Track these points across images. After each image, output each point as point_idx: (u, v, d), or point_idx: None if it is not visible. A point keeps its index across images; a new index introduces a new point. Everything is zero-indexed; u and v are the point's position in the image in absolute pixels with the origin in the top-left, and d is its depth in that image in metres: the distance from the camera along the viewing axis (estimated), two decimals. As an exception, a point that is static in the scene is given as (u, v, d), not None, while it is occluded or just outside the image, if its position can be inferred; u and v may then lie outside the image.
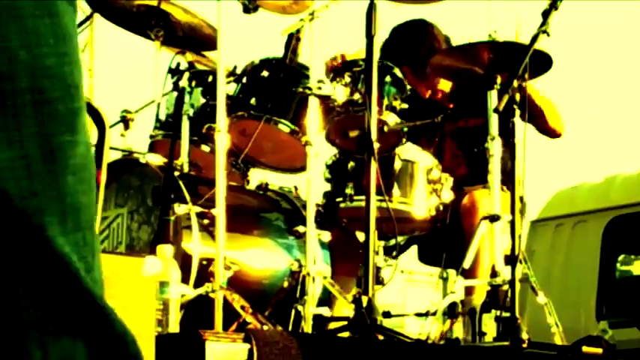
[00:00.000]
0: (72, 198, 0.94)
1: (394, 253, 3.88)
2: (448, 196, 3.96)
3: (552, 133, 4.35)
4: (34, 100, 0.93)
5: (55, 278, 0.92)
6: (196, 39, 4.13)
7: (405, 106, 3.89)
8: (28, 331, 0.90)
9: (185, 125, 3.86)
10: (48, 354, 0.91)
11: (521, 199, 3.68)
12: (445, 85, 4.45)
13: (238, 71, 4.01)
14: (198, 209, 3.58)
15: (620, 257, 6.58)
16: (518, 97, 3.55)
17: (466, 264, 3.65)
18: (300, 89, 3.75)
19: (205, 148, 4.02)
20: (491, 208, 3.71)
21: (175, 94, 3.96)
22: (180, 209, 3.52)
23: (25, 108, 0.92)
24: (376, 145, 3.39)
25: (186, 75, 3.98)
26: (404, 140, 3.89)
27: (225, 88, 3.63)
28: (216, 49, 3.54)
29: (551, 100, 4.31)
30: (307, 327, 3.45)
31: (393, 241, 3.97)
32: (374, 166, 3.37)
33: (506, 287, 3.51)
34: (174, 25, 4.08)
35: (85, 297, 0.94)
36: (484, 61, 3.81)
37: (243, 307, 3.40)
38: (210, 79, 4.00)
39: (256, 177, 4.22)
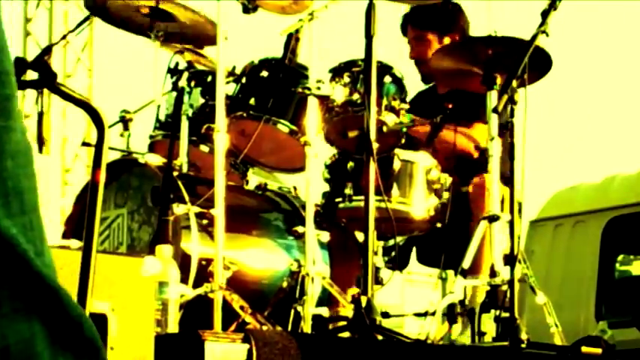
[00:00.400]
0: (13, 182, 0.93)
1: (393, 254, 3.89)
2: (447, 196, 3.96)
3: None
4: None
5: (3, 260, 0.91)
6: (197, 36, 4.12)
7: (405, 106, 3.90)
8: None
9: (184, 125, 3.86)
10: (5, 336, 0.90)
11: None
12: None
13: (237, 71, 4.00)
14: (198, 209, 3.58)
15: (619, 257, 6.58)
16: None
17: (466, 264, 3.65)
18: (300, 89, 3.75)
19: (204, 148, 4.02)
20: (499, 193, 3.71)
21: (174, 94, 3.96)
22: (179, 209, 3.52)
23: None
24: (375, 146, 3.39)
25: (186, 75, 3.98)
26: (403, 140, 3.89)
27: (225, 88, 3.63)
28: (216, 44, 3.54)
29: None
30: (306, 327, 3.45)
31: (392, 242, 3.97)
32: (373, 167, 3.37)
33: (505, 287, 3.52)
34: (174, 23, 4.07)
35: (37, 278, 0.93)
36: (484, 60, 3.81)
37: (242, 308, 3.40)
38: (209, 79, 4.00)
39: (264, 179, 4.23)
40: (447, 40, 4.46)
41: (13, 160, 0.94)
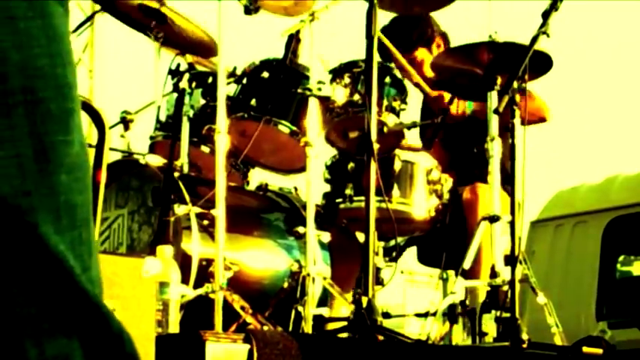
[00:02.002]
0: (66, 196, 0.94)
1: (394, 254, 3.89)
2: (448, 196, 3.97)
3: (541, 119, 4.32)
4: (26, 100, 0.93)
5: (49, 276, 0.92)
6: (196, 47, 4.13)
7: (405, 107, 3.90)
8: (24, 330, 0.90)
9: (185, 126, 3.86)
10: (44, 352, 0.91)
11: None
12: (430, 73, 4.47)
13: (238, 72, 4.01)
14: (198, 210, 3.58)
15: (620, 258, 6.57)
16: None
17: (466, 264, 3.66)
18: (300, 90, 3.75)
19: (205, 149, 4.02)
20: (493, 202, 3.71)
21: (175, 95, 3.97)
22: (180, 210, 3.52)
23: (17, 108, 0.92)
24: (376, 146, 3.39)
25: (187, 76, 3.98)
26: (404, 140, 3.90)
27: (226, 89, 3.63)
28: (215, 56, 3.54)
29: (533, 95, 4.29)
30: (307, 327, 3.45)
31: (392, 242, 3.97)
32: (374, 167, 3.37)
33: (506, 288, 3.52)
34: (173, 29, 4.07)
35: (81, 295, 0.94)
36: (484, 62, 3.81)
37: (243, 308, 3.41)
38: (210, 80, 4.01)
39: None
40: (434, 49, 4.47)
41: (68, 174, 0.94)
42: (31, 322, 0.91)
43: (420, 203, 3.89)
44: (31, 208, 0.91)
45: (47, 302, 0.91)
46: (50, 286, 0.92)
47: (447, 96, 4.22)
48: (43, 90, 0.94)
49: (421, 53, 4.49)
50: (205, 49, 4.07)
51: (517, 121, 3.59)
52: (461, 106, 4.20)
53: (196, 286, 3.43)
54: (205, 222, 3.59)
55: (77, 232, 0.95)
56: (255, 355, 2.75)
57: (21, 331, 0.90)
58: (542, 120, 4.32)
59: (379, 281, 3.78)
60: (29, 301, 0.91)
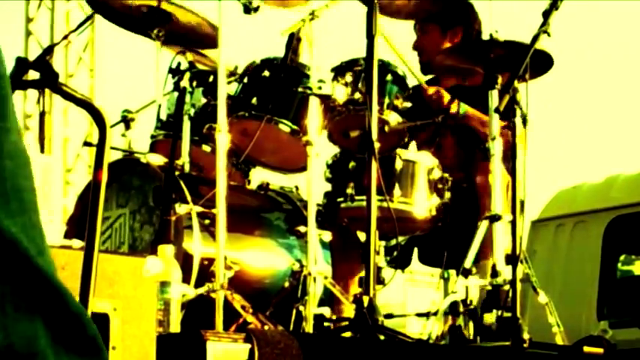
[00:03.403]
0: (12, 181, 0.94)
1: (395, 254, 3.89)
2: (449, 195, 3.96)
3: None
4: None
5: (5, 259, 0.91)
6: (197, 37, 4.12)
7: (408, 104, 3.90)
8: None
9: (186, 125, 3.86)
10: (9, 335, 0.91)
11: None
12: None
13: (239, 71, 4.01)
14: (199, 209, 3.58)
15: (621, 257, 6.57)
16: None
17: (467, 263, 3.65)
18: (301, 89, 3.75)
19: (206, 148, 4.02)
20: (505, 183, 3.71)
21: (176, 94, 3.97)
22: (181, 209, 3.52)
23: None
24: (377, 145, 3.39)
25: (187, 75, 3.98)
26: (406, 139, 3.90)
27: (226, 88, 3.63)
28: (217, 47, 3.54)
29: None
30: (308, 327, 3.45)
31: (393, 241, 3.97)
32: (375, 166, 3.37)
33: (507, 287, 3.51)
34: (174, 24, 4.07)
35: (39, 277, 0.94)
36: (488, 60, 3.80)
37: (244, 307, 3.40)
38: (211, 79, 4.00)
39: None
40: (449, 34, 4.50)
41: (11, 160, 0.94)
42: None
43: (421, 202, 3.88)
44: None
45: (6, 285, 0.91)
46: (7, 268, 0.91)
47: (446, 96, 4.22)
48: None
49: (434, 28, 4.51)
50: (208, 40, 4.05)
51: (518, 120, 3.59)
52: (455, 106, 4.18)
53: (197, 285, 3.43)
54: (206, 221, 3.59)
55: (27, 217, 0.95)
56: (256, 354, 2.75)
57: None
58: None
59: (380, 280, 3.78)
60: None
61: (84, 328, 0.97)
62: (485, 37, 3.87)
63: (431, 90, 4.23)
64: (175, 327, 2.99)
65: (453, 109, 4.16)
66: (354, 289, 3.89)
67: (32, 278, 0.93)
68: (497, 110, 3.61)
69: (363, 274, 3.42)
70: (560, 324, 3.72)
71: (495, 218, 3.68)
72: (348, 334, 3.29)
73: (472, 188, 4.10)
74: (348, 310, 3.60)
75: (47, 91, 3.09)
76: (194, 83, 4.00)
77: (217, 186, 3.36)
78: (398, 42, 4.54)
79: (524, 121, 3.58)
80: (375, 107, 3.44)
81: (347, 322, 3.34)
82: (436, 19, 4.51)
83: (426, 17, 4.52)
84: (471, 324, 3.63)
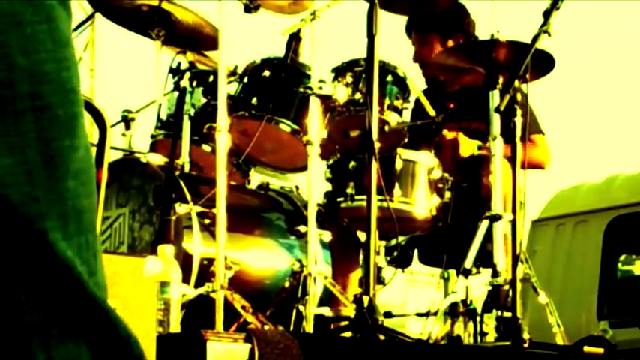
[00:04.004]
0: (73, 202, 0.94)
1: (395, 253, 3.88)
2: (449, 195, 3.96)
3: (538, 167, 4.33)
4: (34, 106, 0.93)
5: (58, 282, 0.92)
6: (198, 38, 4.13)
7: (407, 106, 3.90)
8: (32, 335, 0.90)
9: (186, 125, 3.86)
10: (52, 358, 0.91)
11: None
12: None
13: (239, 71, 4.00)
14: (199, 209, 3.58)
15: (622, 257, 6.57)
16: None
17: (467, 263, 3.65)
18: (302, 89, 3.75)
19: (206, 147, 4.02)
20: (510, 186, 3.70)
21: (176, 93, 3.97)
22: (181, 209, 3.52)
23: (25, 114, 0.92)
24: (377, 145, 3.39)
25: (187, 75, 3.98)
26: (406, 140, 3.90)
27: (227, 88, 3.63)
28: (218, 48, 3.54)
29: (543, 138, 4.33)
30: (308, 327, 3.45)
31: (394, 241, 3.97)
32: (375, 166, 3.37)
33: (507, 287, 3.51)
34: (175, 24, 4.07)
35: (88, 300, 0.94)
36: (487, 61, 3.80)
37: (244, 307, 3.40)
38: (211, 78, 4.00)
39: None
40: (450, 43, 4.48)
41: (75, 179, 0.95)
42: (40, 328, 0.91)
43: (421, 202, 3.88)
44: (40, 215, 0.91)
45: (55, 308, 0.92)
46: (59, 291, 0.92)
47: (463, 146, 4.17)
48: (51, 95, 0.94)
49: (436, 39, 4.51)
50: (209, 41, 4.05)
51: (518, 120, 3.59)
52: (470, 147, 4.16)
53: (197, 285, 3.43)
54: (206, 221, 3.59)
55: (84, 238, 0.95)
56: (256, 354, 2.75)
57: (29, 337, 0.90)
58: (540, 167, 4.33)
59: (380, 280, 3.77)
60: (38, 307, 0.91)
61: (131, 348, 0.97)
62: (486, 37, 3.86)
63: (450, 135, 4.17)
64: (175, 327, 2.99)
65: (463, 153, 4.13)
66: (354, 289, 3.89)
67: (82, 303, 0.93)
68: (497, 110, 3.60)
69: (362, 273, 3.42)
70: (560, 324, 3.72)
71: (496, 218, 3.68)
72: (348, 334, 3.29)
73: (477, 189, 4.08)
74: (348, 310, 3.60)
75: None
76: (194, 83, 4.00)
77: (217, 186, 3.36)
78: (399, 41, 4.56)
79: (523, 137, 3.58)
80: (376, 107, 3.44)
81: (347, 322, 3.34)
82: (435, 28, 4.50)
83: (424, 28, 4.51)
84: (471, 324, 3.63)
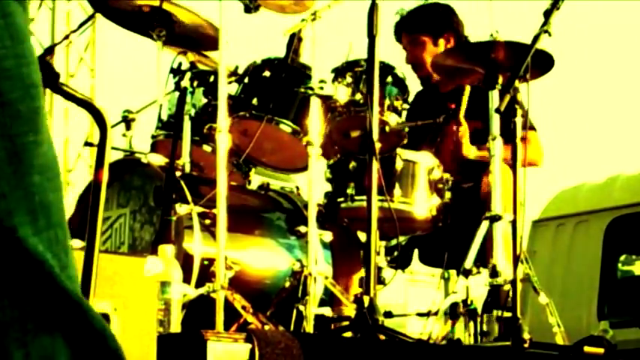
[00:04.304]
0: (40, 197, 0.94)
1: (395, 253, 3.89)
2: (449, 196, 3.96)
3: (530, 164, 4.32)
4: None
5: (30, 278, 0.91)
6: (198, 39, 4.13)
7: (407, 106, 3.90)
8: (7, 332, 0.90)
9: (187, 125, 3.86)
10: (29, 353, 0.91)
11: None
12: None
13: (240, 71, 4.01)
14: (200, 209, 3.58)
15: (622, 257, 6.57)
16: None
17: (468, 264, 3.65)
18: (302, 89, 3.75)
19: (207, 148, 4.02)
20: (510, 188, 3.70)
21: (177, 94, 3.97)
22: (181, 209, 3.52)
23: None
24: (378, 146, 3.39)
25: (188, 75, 3.98)
26: (405, 140, 3.90)
27: (227, 88, 3.63)
28: (218, 49, 3.54)
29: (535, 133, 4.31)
30: (309, 327, 3.45)
31: (394, 241, 3.97)
32: (375, 166, 3.37)
33: (507, 287, 3.51)
34: (176, 25, 4.07)
35: (61, 294, 0.94)
36: (486, 61, 3.80)
37: (244, 307, 3.41)
38: (211, 79, 4.01)
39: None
40: (441, 42, 4.50)
41: (41, 174, 0.94)
42: (15, 324, 0.90)
43: (421, 202, 3.88)
44: (8, 211, 0.91)
45: (29, 303, 0.91)
46: (32, 287, 0.92)
47: (465, 145, 4.17)
48: (11, 91, 0.93)
49: (427, 38, 4.52)
50: (209, 41, 4.05)
51: (518, 120, 3.59)
52: (470, 148, 4.16)
53: (198, 285, 3.43)
54: (207, 221, 3.59)
55: (53, 232, 0.95)
56: (257, 354, 2.75)
57: (4, 334, 0.90)
58: (534, 165, 4.32)
59: (381, 281, 3.78)
60: (12, 304, 0.90)
61: (105, 340, 0.97)
62: (485, 37, 3.86)
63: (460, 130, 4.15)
64: (176, 327, 2.99)
65: (465, 153, 4.14)
66: (355, 289, 3.89)
67: (55, 297, 0.93)
68: (497, 110, 3.61)
69: (363, 273, 3.42)
70: (560, 324, 3.72)
71: (496, 218, 3.68)
72: (348, 334, 3.29)
73: (477, 189, 4.09)
74: (349, 311, 3.60)
75: (48, 91, 3.09)
76: (195, 83, 4.00)
77: (218, 186, 3.36)
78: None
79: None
80: (376, 108, 3.44)
81: (347, 322, 3.34)
82: (426, 29, 4.52)
83: (415, 29, 4.53)
84: (471, 324, 3.63)
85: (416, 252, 4.52)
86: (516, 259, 3.45)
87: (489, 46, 3.77)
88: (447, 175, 3.97)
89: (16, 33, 0.95)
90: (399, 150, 3.88)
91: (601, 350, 3.44)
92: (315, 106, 3.69)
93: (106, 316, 2.27)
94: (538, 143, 4.33)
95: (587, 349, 3.42)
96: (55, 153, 0.98)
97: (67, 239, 0.97)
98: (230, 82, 3.90)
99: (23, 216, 0.91)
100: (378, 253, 3.52)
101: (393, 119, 3.83)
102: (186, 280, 3.38)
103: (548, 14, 3.62)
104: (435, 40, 4.52)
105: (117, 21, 4.21)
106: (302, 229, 3.66)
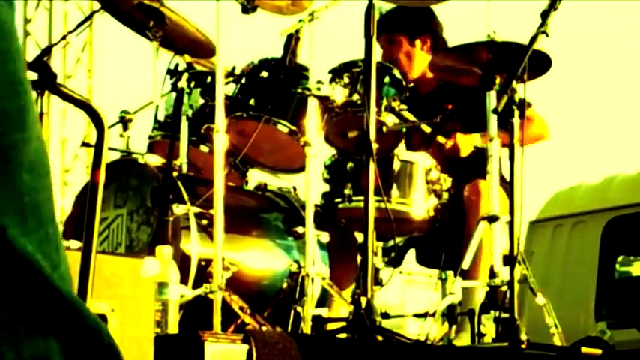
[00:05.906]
0: (30, 196, 0.93)
1: (393, 254, 3.89)
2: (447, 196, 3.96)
3: (537, 140, 4.33)
4: None
5: (20, 279, 0.91)
6: (193, 46, 4.12)
7: (405, 107, 3.90)
8: None
9: (184, 126, 3.86)
10: (22, 354, 0.90)
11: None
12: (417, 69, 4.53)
13: (237, 72, 4.01)
14: (197, 210, 3.58)
15: (619, 258, 6.58)
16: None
17: (465, 264, 3.66)
18: (299, 90, 3.75)
19: (204, 148, 4.02)
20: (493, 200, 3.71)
21: (174, 94, 3.96)
22: (178, 210, 3.52)
23: None
24: (375, 146, 3.39)
25: (185, 76, 3.98)
26: (402, 142, 3.90)
27: (224, 89, 3.63)
28: (212, 57, 3.54)
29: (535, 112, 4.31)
30: (306, 328, 3.45)
31: (391, 242, 3.97)
32: (373, 167, 3.37)
33: (505, 288, 3.51)
34: (171, 30, 4.06)
35: (53, 294, 0.93)
36: (483, 62, 3.81)
37: (241, 308, 3.40)
38: (208, 79, 4.00)
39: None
40: (417, 43, 4.51)
41: (30, 173, 0.93)
42: (6, 326, 0.89)
43: (419, 203, 3.88)
44: None
45: (21, 305, 0.91)
46: (22, 288, 0.91)
47: (462, 146, 4.17)
48: None
49: (402, 38, 4.53)
50: (202, 50, 4.06)
51: (516, 120, 3.59)
52: (469, 144, 4.16)
53: (195, 286, 3.42)
54: (204, 222, 3.59)
55: (44, 231, 0.94)
56: (254, 355, 2.75)
57: None
58: (542, 140, 4.34)
59: (378, 281, 3.78)
60: (2, 305, 0.89)
61: (101, 337, 0.96)
62: (482, 37, 3.86)
63: (449, 144, 4.17)
64: (173, 328, 2.99)
65: (464, 153, 4.15)
66: (352, 289, 3.89)
67: (47, 297, 0.92)
68: (495, 111, 3.61)
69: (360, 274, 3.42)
70: (558, 325, 3.72)
71: (493, 219, 3.68)
72: (345, 335, 3.29)
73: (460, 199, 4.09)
74: (346, 311, 3.60)
75: (45, 91, 3.09)
76: (192, 84, 4.00)
77: (215, 186, 3.36)
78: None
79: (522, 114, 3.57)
80: (374, 109, 3.44)
81: (345, 323, 3.34)
82: (402, 29, 4.52)
83: (391, 28, 4.52)
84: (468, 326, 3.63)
85: (412, 253, 4.52)
86: (513, 260, 3.45)
87: (486, 47, 3.78)
88: (444, 176, 3.97)
89: (1, 29, 0.93)
90: (396, 151, 3.88)
91: (598, 351, 3.45)
92: (313, 106, 3.69)
93: (103, 317, 2.27)
94: (539, 118, 4.32)
95: (584, 349, 3.42)
96: (46, 149, 0.97)
97: (59, 237, 0.96)
98: (227, 83, 3.90)
99: (12, 216, 0.90)
100: (375, 254, 3.52)
101: (390, 120, 3.83)
102: (184, 280, 3.38)
103: (545, 15, 3.62)
104: (412, 41, 4.52)
105: (117, 17, 4.19)
106: (299, 229, 3.66)
